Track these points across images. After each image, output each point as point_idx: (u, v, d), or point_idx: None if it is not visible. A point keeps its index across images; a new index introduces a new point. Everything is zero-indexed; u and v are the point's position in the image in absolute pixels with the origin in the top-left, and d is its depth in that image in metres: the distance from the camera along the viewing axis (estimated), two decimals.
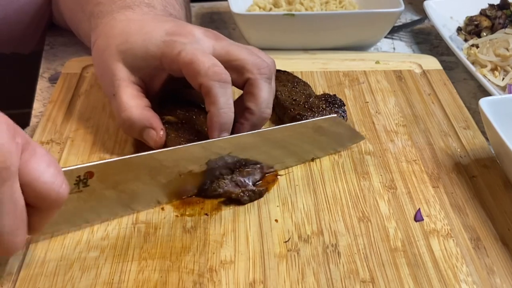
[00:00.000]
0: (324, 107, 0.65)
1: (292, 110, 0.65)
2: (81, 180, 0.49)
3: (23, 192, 0.42)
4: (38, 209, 0.44)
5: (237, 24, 0.83)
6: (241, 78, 0.59)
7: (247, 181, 0.58)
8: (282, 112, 0.66)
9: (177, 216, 0.55)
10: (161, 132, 0.58)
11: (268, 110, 0.59)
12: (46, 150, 0.44)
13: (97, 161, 0.51)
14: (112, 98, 0.60)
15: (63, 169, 0.46)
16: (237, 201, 0.56)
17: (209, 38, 0.59)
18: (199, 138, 0.59)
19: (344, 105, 0.66)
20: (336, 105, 0.65)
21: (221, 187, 0.57)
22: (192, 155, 0.55)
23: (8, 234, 0.42)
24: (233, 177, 0.58)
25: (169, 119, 0.61)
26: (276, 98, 0.64)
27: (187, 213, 0.56)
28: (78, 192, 0.50)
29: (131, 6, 0.63)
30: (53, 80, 0.78)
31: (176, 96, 0.64)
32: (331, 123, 0.61)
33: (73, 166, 0.49)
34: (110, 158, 0.52)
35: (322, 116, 0.64)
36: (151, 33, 0.59)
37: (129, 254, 0.51)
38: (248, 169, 0.58)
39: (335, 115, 0.62)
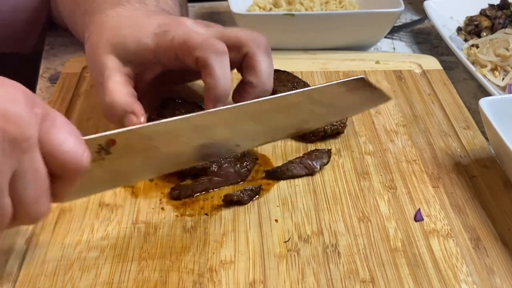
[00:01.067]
0: None
1: None
2: (103, 148, 0.49)
3: (45, 162, 0.42)
4: (60, 177, 0.44)
5: (237, 24, 0.83)
6: (239, 55, 0.58)
7: (315, 164, 0.59)
8: None
9: (177, 216, 0.55)
10: (142, 118, 0.56)
11: (269, 81, 0.58)
12: (67, 119, 0.44)
13: (119, 129, 0.50)
14: (100, 87, 0.59)
15: (84, 138, 0.45)
16: (238, 202, 0.56)
17: (200, 26, 0.59)
18: None
19: None
20: None
21: (290, 170, 0.59)
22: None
23: (32, 203, 0.43)
24: (302, 160, 0.59)
25: None
26: None
27: (187, 213, 0.56)
28: (101, 160, 0.49)
29: (123, 2, 0.63)
30: (53, 80, 0.78)
31: (177, 97, 0.64)
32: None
33: (94, 135, 0.48)
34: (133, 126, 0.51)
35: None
36: (143, 27, 0.59)
37: (129, 254, 0.51)
38: (316, 153, 0.60)
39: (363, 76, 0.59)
